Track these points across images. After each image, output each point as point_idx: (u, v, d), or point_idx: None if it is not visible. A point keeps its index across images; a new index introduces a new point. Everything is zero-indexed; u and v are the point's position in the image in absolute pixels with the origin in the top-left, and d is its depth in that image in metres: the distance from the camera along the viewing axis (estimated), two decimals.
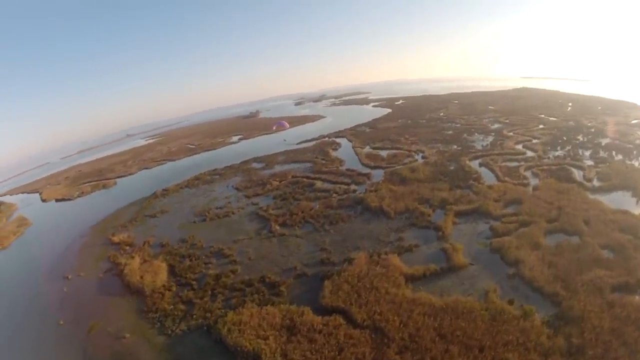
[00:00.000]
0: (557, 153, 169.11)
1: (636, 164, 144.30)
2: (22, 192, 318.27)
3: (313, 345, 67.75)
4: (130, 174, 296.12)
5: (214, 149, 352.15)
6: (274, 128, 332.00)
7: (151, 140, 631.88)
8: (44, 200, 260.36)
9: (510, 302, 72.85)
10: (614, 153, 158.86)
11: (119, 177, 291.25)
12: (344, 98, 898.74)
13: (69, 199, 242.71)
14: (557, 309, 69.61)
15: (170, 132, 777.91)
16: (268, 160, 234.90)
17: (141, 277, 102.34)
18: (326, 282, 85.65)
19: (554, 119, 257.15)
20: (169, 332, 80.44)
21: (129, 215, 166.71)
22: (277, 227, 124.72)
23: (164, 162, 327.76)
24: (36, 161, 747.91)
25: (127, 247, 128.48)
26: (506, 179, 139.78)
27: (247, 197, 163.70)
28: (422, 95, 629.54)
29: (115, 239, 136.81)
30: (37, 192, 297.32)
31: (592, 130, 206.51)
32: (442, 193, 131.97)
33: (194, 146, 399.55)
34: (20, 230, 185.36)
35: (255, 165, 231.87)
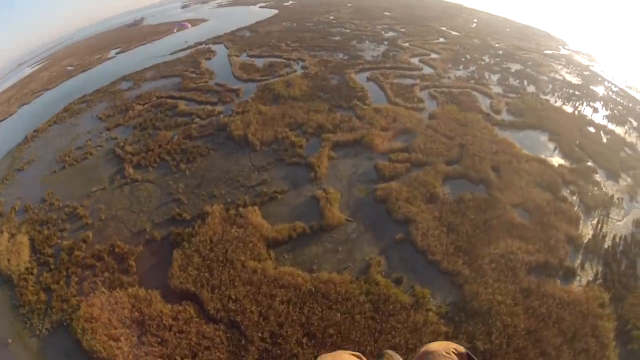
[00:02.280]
0: (459, 73, 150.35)
1: (552, 100, 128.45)
2: None
3: (164, 350, 55.29)
4: (11, 114, 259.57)
5: (90, 68, 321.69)
6: (175, 30, 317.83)
7: (37, 67, 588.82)
8: None
9: (399, 281, 57.86)
10: (525, 83, 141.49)
11: (1, 120, 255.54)
12: None
13: None
14: (458, 294, 55.60)
15: (56, 53, 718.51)
16: (137, 78, 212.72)
17: (8, 261, 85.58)
18: (175, 253, 69.94)
19: (457, 33, 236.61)
20: (38, 332, 67.32)
21: (1, 172, 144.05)
22: (131, 171, 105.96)
23: (42, 92, 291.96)
24: None
25: None
26: (397, 100, 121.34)
27: (108, 129, 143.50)
28: None
29: None
30: None
31: (500, 52, 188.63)
32: (319, 116, 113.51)
33: (72, 67, 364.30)
34: None
35: (123, 85, 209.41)
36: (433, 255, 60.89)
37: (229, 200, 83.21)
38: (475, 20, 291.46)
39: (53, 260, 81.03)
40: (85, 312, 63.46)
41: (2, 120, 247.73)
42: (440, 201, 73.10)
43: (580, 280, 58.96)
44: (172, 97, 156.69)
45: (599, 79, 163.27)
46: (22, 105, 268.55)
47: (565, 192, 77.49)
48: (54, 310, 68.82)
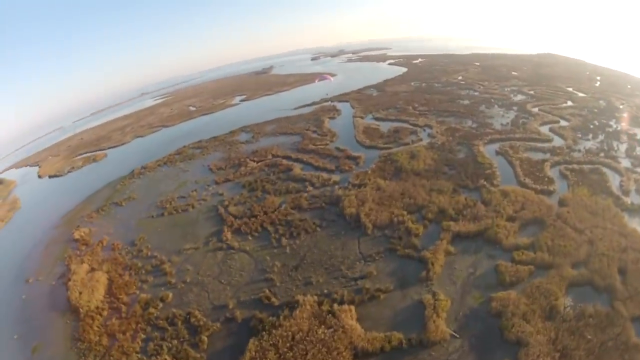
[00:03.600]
0: (588, 144, 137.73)
1: None
2: (26, 165, 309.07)
3: None
4: (123, 144, 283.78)
5: (212, 113, 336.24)
6: (317, 81, 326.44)
7: (159, 100, 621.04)
8: (39, 176, 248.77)
9: None
10: None
11: (112, 147, 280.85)
12: (361, 54, 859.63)
13: (60, 175, 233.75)
14: None
15: (180, 90, 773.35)
16: (256, 130, 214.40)
17: (80, 294, 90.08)
18: (251, 342, 65.91)
19: (583, 95, 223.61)
20: None
21: (99, 202, 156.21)
22: (229, 235, 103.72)
23: (159, 128, 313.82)
24: (52, 125, 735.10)
25: (83, 247, 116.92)
26: (527, 180, 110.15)
27: (217, 183, 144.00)
28: (442, 54, 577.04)
29: (77, 234, 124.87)
30: (38, 164, 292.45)
31: (625, 115, 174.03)
32: (442, 198, 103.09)
33: (194, 108, 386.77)
34: (8, 216, 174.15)
35: (241, 136, 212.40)
36: None
37: (325, 291, 76.18)
38: (599, 78, 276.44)
39: (126, 309, 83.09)
40: None
41: (113, 147, 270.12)
42: (560, 317, 62.58)
43: None
44: (289, 158, 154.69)
45: None
46: (137, 137, 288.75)
47: None
48: (112, 358, 70.56)
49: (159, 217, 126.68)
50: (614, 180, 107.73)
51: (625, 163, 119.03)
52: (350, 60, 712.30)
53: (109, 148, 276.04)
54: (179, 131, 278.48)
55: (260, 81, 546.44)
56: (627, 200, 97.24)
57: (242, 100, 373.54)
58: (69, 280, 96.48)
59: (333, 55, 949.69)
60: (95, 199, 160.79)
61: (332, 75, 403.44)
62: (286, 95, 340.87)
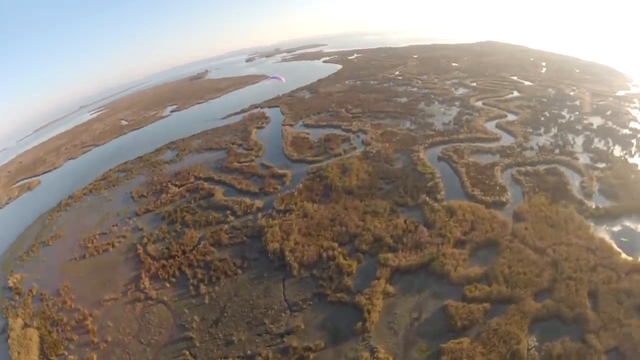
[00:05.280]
0: (541, 139, 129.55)
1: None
2: None
3: None
4: (56, 168, 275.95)
5: (143, 127, 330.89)
6: (267, 82, 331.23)
7: (95, 114, 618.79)
8: None
9: None
10: (610, 142, 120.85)
11: (46, 171, 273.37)
12: (296, 52, 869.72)
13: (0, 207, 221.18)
14: None
15: (116, 102, 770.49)
16: (182, 147, 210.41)
17: (18, 354, 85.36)
18: None
19: (530, 83, 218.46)
20: None
21: (30, 239, 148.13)
22: (147, 283, 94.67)
23: (91, 147, 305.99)
24: None
25: (17, 297, 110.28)
26: (475, 191, 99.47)
27: (137, 214, 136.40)
28: (379, 47, 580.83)
29: (10, 282, 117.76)
30: None
31: (578, 103, 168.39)
32: (378, 223, 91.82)
33: (126, 123, 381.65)
34: None
35: (166, 154, 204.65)
36: None
37: (248, 352, 66.77)
38: (544, 64, 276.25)
39: None
40: None
41: (47, 172, 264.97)
42: None
43: None
44: (211, 180, 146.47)
45: None
46: (69, 159, 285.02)
47: None
48: None
49: (81, 259, 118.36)
50: (573, 181, 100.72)
51: (583, 159, 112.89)
52: (285, 60, 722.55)
53: (43, 173, 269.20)
54: (109, 150, 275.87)
55: (194, 87, 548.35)
56: (591, 204, 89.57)
57: (173, 111, 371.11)
58: (8, 337, 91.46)
59: (268, 55, 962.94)
60: (27, 235, 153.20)
61: (265, 77, 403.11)
62: (217, 103, 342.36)
